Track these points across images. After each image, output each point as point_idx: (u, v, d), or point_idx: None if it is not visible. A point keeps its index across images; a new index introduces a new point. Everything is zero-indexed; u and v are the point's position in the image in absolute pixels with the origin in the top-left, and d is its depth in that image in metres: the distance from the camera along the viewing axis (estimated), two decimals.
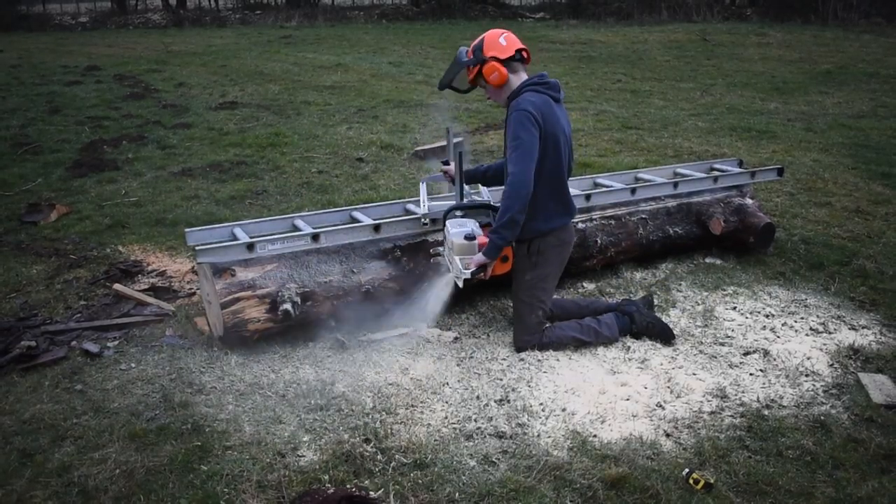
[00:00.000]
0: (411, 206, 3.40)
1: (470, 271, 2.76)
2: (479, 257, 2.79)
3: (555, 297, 3.29)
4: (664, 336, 3.06)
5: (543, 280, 2.99)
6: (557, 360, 2.94)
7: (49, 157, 6.30)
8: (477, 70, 2.89)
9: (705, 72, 11.03)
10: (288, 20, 21.85)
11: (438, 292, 3.13)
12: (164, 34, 19.01)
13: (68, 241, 4.33)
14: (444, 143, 6.48)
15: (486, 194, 3.31)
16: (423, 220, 3.20)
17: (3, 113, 8.18)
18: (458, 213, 3.03)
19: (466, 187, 3.24)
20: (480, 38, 2.92)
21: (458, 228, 2.86)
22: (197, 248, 2.96)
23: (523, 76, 2.93)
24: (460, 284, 2.84)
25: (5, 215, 4.81)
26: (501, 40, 2.89)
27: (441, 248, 3.16)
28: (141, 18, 23.52)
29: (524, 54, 2.92)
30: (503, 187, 2.87)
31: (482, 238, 2.82)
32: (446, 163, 3.34)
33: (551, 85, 2.91)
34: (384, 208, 3.50)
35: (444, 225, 2.96)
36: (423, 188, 3.39)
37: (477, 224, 2.91)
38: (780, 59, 12.02)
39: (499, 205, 3.09)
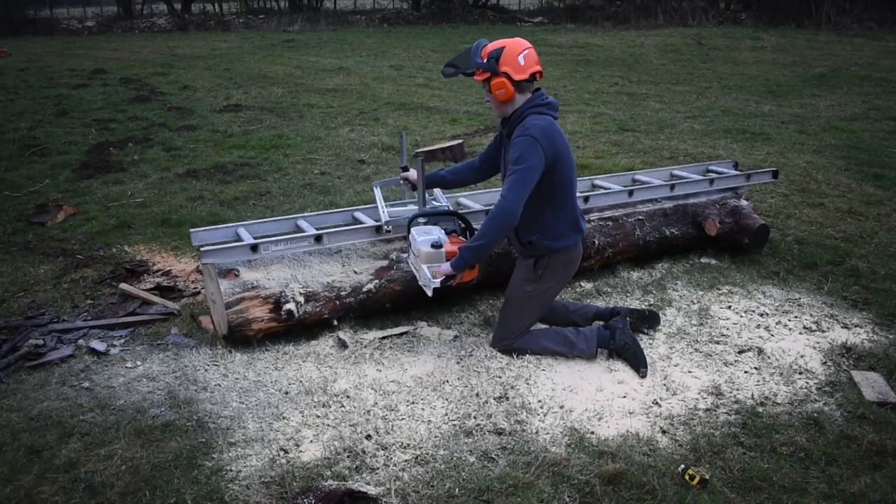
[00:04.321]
0: (413, 208, 3.43)
1: (440, 280, 2.74)
2: (447, 268, 2.75)
3: None
4: (634, 363, 2.88)
5: (543, 294, 2.96)
6: (555, 358, 2.97)
7: (56, 158, 6.36)
8: (486, 77, 2.76)
9: (701, 75, 11.07)
10: (291, 24, 21.94)
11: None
12: (169, 38, 19.10)
13: (75, 242, 4.38)
14: (445, 144, 6.54)
15: (443, 199, 3.29)
16: (385, 227, 3.16)
17: (11, 115, 8.24)
18: (422, 220, 2.99)
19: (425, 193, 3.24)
20: (502, 44, 2.75)
21: (425, 237, 2.82)
22: (202, 248, 3.00)
23: (529, 95, 2.82)
24: (429, 293, 2.82)
25: (13, 216, 4.86)
26: (520, 59, 2.73)
27: (406, 255, 3.14)
28: (146, 23, 23.62)
29: (537, 76, 2.80)
30: (489, 204, 2.84)
31: (448, 246, 2.80)
32: (405, 168, 3.30)
33: (552, 105, 2.83)
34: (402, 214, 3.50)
35: (409, 232, 2.93)
36: (378, 193, 3.37)
37: (442, 231, 2.88)
38: (773, 63, 12.06)
39: (465, 213, 3.06)
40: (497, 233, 2.72)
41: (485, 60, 2.75)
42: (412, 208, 3.31)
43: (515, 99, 2.80)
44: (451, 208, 3.19)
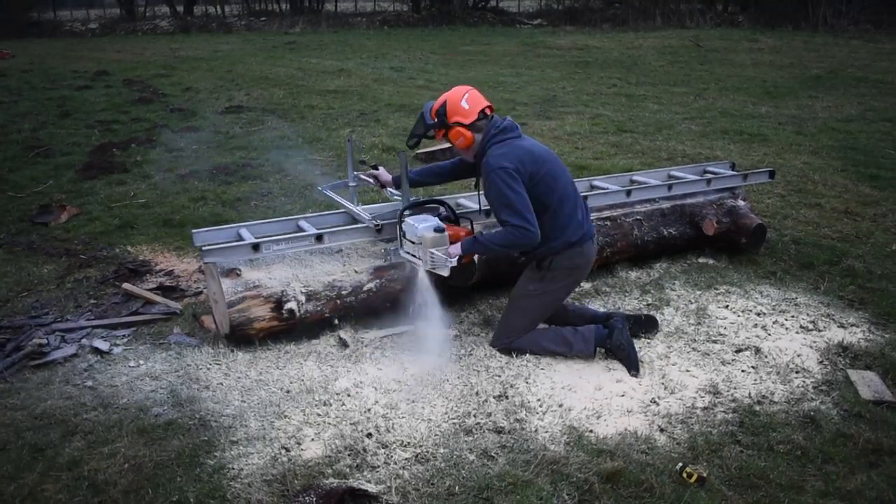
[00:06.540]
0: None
1: (456, 258, 2.82)
2: (457, 248, 2.84)
3: None
4: (627, 363, 2.92)
5: (546, 295, 2.98)
6: (554, 357, 2.99)
7: (60, 159, 6.39)
8: (442, 133, 2.93)
9: (698, 76, 11.09)
10: (292, 26, 21.99)
11: (427, 291, 3.13)
12: (171, 40, 19.14)
13: (78, 242, 4.40)
14: (445, 145, 6.55)
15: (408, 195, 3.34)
16: (374, 225, 3.20)
17: (15, 117, 8.26)
18: (407, 212, 3.07)
19: (394, 190, 3.31)
20: (443, 99, 2.89)
21: (425, 223, 2.89)
22: (203, 248, 3.03)
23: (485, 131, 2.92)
24: (446, 273, 2.88)
25: (17, 216, 4.88)
26: (464, 103, 2.87)
27: (391, 248, 3.19)
28: (149, 25, 23.69)
29: (487, 111, 2.91)
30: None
31: (449, 229, 2.91)
32: (375, 167, 3.37)
33: (508, 128, 2.90)
34: (386, 209, 3.56)
35: (401, 224, 3.01)
36: (334, 196, 3.48)
37: (436, 218, 2.98)
38: (771, 64, 12.09)
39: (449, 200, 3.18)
40: (519, 246, 2.88)
41: (435, 119, 2.91)
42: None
43: (475, 139, 2.92)
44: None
